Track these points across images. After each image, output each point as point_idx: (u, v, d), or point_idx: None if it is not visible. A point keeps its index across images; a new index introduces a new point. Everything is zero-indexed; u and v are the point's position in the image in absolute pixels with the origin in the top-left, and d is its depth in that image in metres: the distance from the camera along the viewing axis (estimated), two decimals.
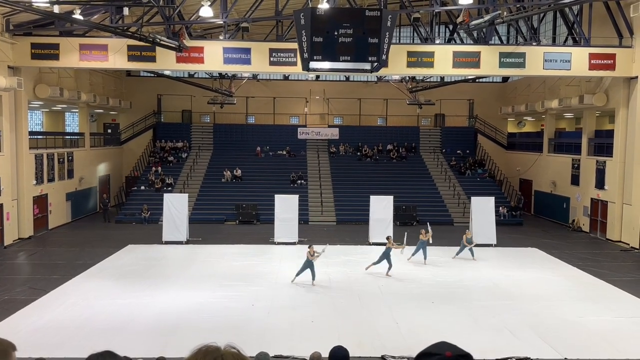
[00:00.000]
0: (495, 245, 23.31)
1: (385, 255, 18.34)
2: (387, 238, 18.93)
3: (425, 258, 20.12)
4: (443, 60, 23.73)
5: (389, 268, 18.32)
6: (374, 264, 18.47)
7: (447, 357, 1.74)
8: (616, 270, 19.78)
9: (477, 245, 23.43)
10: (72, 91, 27.92)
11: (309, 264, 17.01)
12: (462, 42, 29.19)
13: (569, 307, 15.26)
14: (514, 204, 32.10)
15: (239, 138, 37.28)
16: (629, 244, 24.21)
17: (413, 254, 20.26)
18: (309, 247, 17.31)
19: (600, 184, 26.68)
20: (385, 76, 32.96)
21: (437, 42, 26.75)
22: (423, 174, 34.34)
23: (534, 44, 24.53)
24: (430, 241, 20.30)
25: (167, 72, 32.16)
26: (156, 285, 16.99)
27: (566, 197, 30.01)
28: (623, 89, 25.03)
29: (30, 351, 11.10)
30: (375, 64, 13.84)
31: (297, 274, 17.19)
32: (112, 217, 29.66)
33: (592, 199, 27.43)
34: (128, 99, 36.74)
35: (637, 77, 23.95)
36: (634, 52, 23.98)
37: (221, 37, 24.36)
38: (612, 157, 25.80)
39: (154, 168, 33.40)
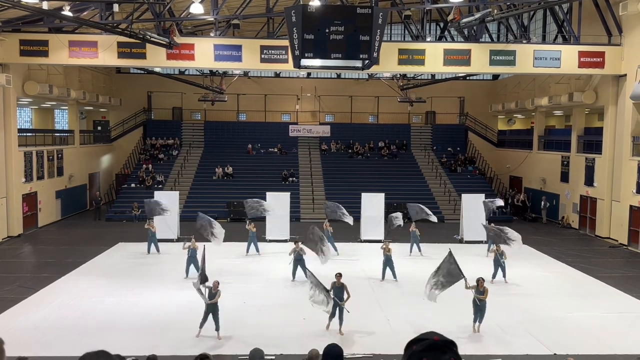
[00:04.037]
0: (486, 242, 23.40)
1: (387, 263, 17.63)
2: (384, 242, 18.22)
3: (419, 250, 20.26)
4: (434, 57, 23.80)
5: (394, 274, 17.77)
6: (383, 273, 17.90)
7: (435, 341, 1.90)
8: (605, 267, 19.97)
9: (468, 242, 23.60)
10: (61, 88, 27.70)
11: (298, 261, 17.04)
12: (453, 40, 29.28)
13: (558, 303, 15.40)
14: (507, 202, 32.21)
15: (230, 135, 37.18)
16: (617, 241, 24.44)
17: (411, 249, 20.37)
18: (294, 243, 17.37)
19: (589, 181, 26.89)
20: (376, 74, 32.99)
21: (428, 39, 26.79)
22: (414, 172, 34.45)
23: (524, 41, 24.65)
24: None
25: (157, 69, 31.99)
26: (147, 283, 16.94)
27: (556, 194, 30.22)
28: (612, 86, 25.23)
29: (19, 350, 11.03)
30: (367, 61, 13.84)
31: (293, 274, 17.25)
32: (103, 215, 29.51)
33: (581, 195, 27.65)
34: (118, 96, 36.52)
35: (625, 75, 24.15)
36: (622, 50, 24.18)
37: (212, 34, 24.25)
38: (601, 154, 26.02)
39: (144, 165, 33.24)
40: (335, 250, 20.50)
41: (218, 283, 12.83)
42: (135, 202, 28.89)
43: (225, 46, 23.40)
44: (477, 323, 12.95)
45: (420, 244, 20.86)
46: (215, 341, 12.18)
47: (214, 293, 12.50)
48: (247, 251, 21.03)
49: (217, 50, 23.29)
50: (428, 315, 14.17)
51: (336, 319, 12.88)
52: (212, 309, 12.46)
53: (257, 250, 21.08)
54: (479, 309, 12.88)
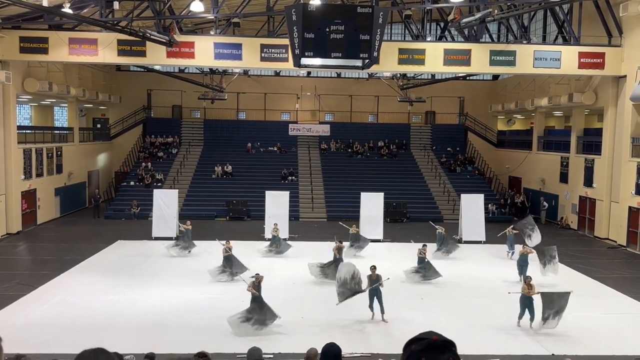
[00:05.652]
0: (484, 242, 23.45)
1: (423, 263, 17.97)
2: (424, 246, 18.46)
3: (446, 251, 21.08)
4: (434, 57, 23.79)
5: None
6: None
7: (434, 340, 1.91)
8: (603, 268, 19.98)
9: (467, 242, 23.59)
10: (61, 85, 27.67)
11: (339, 261, 17.27)
12: (453, 40, 29.27)
13: None
14: (507, 202, 32.24)
15: (230, 134, 37.15)
16: (616, 242, 24.45)
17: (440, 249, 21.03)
18: (339, 242, 17.64)
19: (588, 181, 26.90)
20: (376, 73, 32.96)
21: (428, 39, 26.80)
22: (413, 171, 34.45)
23: (525, 42, 24.65)
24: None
25: (157, 67, 31.94)
26: (145, 282, 16.93)
27: (555, 194, 30.23)
28: (612, 87, 25.24)
29: (18, 348, 11.02)
30: (367, 60, 13.85)
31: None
32: (102, 213, 29.49)
33: (580, 196, 27.66)
34: (118, 94, 36.48)
35: (625, 76, 24.15)
36: (622, 51, 24.18)
37: (212, 32, 24.23)
38: (600, 155, 26.02)
39: (143, 163, 33.21)
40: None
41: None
42: (134, 200, 28.89)
43: (226, 44, 23.38)
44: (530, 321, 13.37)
45: (422, 244, 20.69)
46: (213, 340, 12.15)
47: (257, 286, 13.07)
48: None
49: (217, 48, 23.27)
50: (427, 315, 14.17)
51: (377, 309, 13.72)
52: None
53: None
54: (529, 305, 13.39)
